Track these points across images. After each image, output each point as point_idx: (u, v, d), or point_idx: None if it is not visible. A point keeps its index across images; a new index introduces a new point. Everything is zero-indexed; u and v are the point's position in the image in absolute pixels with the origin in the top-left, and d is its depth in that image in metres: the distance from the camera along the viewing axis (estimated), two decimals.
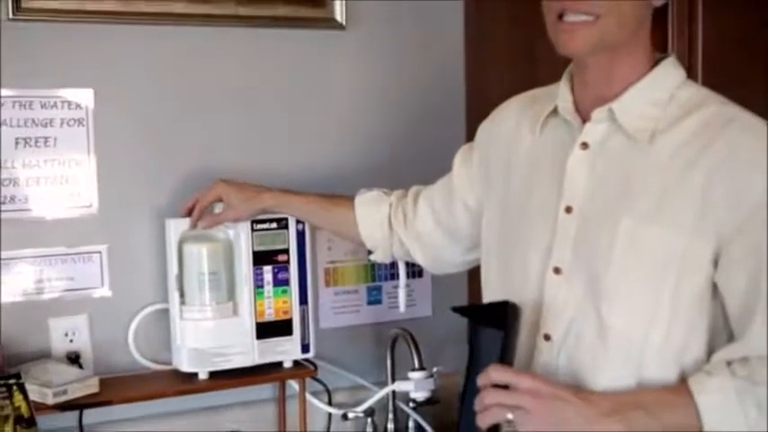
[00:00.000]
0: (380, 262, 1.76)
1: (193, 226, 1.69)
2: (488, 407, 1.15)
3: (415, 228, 1.59)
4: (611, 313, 1.19)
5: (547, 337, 1.25)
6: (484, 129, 1.49)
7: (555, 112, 1.30)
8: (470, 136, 1.94)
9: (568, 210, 1.24)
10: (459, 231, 1.54)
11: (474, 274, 1.97)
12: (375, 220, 1.64)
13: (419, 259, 1.63)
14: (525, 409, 1.13)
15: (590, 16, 1.16)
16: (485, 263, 1.42)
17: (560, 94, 1.29)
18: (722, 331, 1.19)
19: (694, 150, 1.16)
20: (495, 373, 1.16)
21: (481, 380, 1.17)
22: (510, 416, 1.13)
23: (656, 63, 1.24)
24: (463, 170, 1.51)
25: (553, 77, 1.35)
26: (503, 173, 1.39)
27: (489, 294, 1.39)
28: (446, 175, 1.56)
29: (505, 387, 1.15)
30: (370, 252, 1.71)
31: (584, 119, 1.25)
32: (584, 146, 1.24)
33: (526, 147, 1.35)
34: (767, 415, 1.11)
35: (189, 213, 1.70)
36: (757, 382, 1.11)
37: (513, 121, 1.40)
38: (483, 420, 1.16)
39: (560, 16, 1.18)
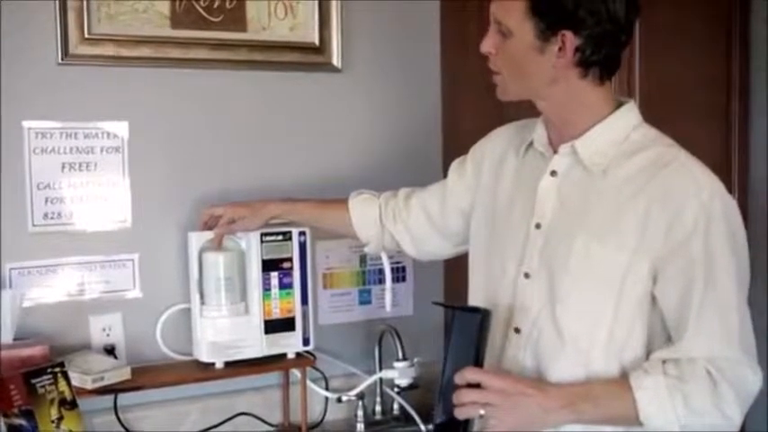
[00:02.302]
0: (374, 253, 1.74)
1: (218, 244, 1.68)
2: (464, 404, 1.17)
3: (406, 224, 1.59)
4: (564, 313, 1.22)
5: (517, 330, 1.27)
6: (480, 145, 1.49)
7: (532, 143, 1.33)
8: (446, 159, 1.94)
9: (538, 226, 1.27)
10: (450, 230, 1.53)
11: (448, 280, 2.02)
12: (368, 218, 1.63)
13: (408, 250, 1.62)
14: (494, 406, 1.16)
15: (496, 72, 1.25)
16: (472, 258, 1.43)
17: (537, 128, 1.32)
18: (660, 334, 1.21)
19: (639, 183, 1.19)
20: (469, 374, 1.18)
21: (458, 379, 1.18)
22: (482, 411, 1.16)
23: (619, 106, 1.26)
24: (458, 179, 1.51)
25: (513, 112, 1.40)
26: (492, 183, 1.40)
27: (474, 287, 1.41)
28: (438, 183, 1.57)
29: (478, 385, 1.17)
30: (363, 246, 1.70)
31: (556, 151, 1.28)
32: (554, 173, 1.27)
33: (512, 166, 1.37)
34: (693, 408, 1.14)
35: (205, 227, 1.70)
36: (685, 381, 1.14)
37: (504, 143, 1.41)
38: (460, 414, 1.18)
39: None
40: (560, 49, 1.19)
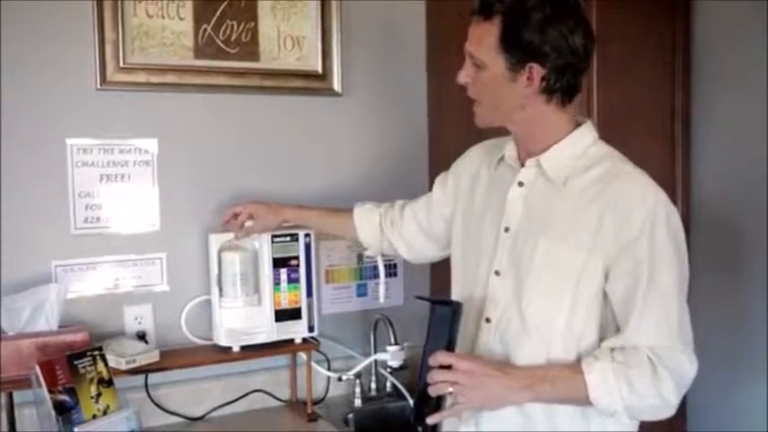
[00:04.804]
0: (373, 256, 1.74)
1: (236, 238, 1.68)
2: (436, 382, 1.17)
3: (401, 231, 1.58)
4: (528, 307, 1.22)
5: (487, 320, 1.27)
6: (459, 162, 1.48)
7: (503, 158, 1.32)
8: (431, 170, 1.94)
9: (507, 229, 1.26)
10: (436, 235, 1.52)
11: (434, 276, 2.02)
12: (369, 225, 1.63)
13: (403, 254, 1.61)
14: (462, 385, 1.16)
15: (474, 100, 1.24)
16: (452, 258, 1.42)
17: (508, 145, 1.32)
18: (610, 324, 1.20)
19: (594, 192, 1.19)
20: (441, 357, 1.18)
21: (432, 361, 1.18)
22: (451, 389, 1.16)
23: (578, 125, 1.25)
24: (441, 191, 1.50)
25: (489, 134, 1.39)
26: (468, 195, 1.39)
27: (455, 282, 1.39)
28: (426, 195, 1.56)
29: (450, 367, 1.17)
30: (365, 249, 1.69)
31: (523, 164, 1.28)
32: (521, 184, 1.27)
33: (485, 178, 1.36)
34: (636, 390, 1.14)
35: (226, 224, 1.69)
36: (630, 366, 1.14)
37: (478, 159, 1.41)
38: (432, 391, 1.18)
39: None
40: (528, 78, 1.18)
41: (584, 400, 1.16)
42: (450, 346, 1.21)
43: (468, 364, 1.18)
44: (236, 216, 1.69)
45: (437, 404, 1.21)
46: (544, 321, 1.21)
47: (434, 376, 1.17)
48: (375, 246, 1.65)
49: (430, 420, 1.20)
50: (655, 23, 1.88)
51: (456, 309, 1.22)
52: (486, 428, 1.26)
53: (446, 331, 1.21)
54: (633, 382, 1.14)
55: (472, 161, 1.43)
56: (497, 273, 1.27)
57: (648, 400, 1.15)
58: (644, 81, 1.84)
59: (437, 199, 1.52)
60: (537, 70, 1.18)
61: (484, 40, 1.20)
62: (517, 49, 1.18)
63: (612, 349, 1.17)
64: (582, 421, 1.21)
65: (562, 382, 1.17)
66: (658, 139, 1.90)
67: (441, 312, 1.23)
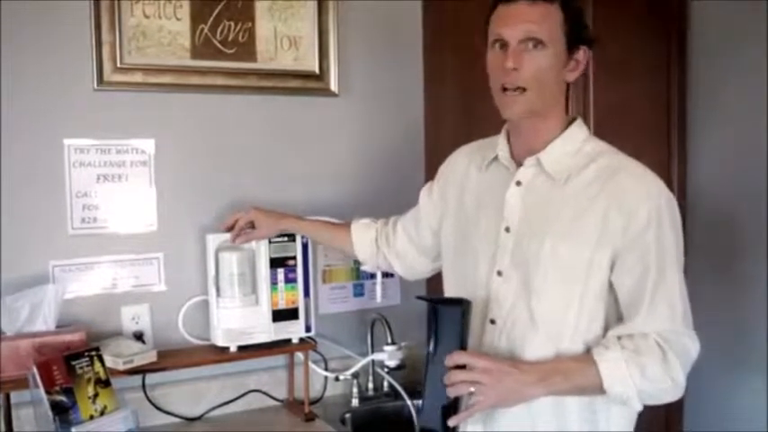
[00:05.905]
0: (369, 271, 1.74)
1: (233, 241, 1.69)
2: (455, 383, 1.17)
3: (395, 247, 1.57)
4: (538, 304, 1.22)
5: (492, 321, 1.26)
6: (442, 169, 1.47)
7: (496, 158, 1.31)
8: (429, 177, 1.90)
9: (507, 229, 1.25)
10: (426, 247, 1.51)
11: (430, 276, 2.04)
12: (366, 241, 1.62)
13: (397, 270, 1.61)
14: (481, 383, 1.16)
15: (519, 89, 1.19)
16: (444, 266, 1.42)
17: (499, 144, 1.30)
18: (614, 314, 1.22)
19: (596, 188, 1.20)
20: (457, 357, 1.17)
21: (448, 362, 1.17)
22: (472, 389, 1.16)
23: (569, 122, 1.26)
24: (427, 201, 1.50)
25: (486, 133, 1.39)
26: (457, 200, 1.38)
27: (448, 288, 1.38)
28: (414, 207, 1.54)
29: (464, 366, 1.16)
30: (361, 264, 1.68)
31: (518, 163, 1.27)
32: (519, 183, 1.26)
33: (474, 181, 1.35)
34: (648, 377, 1.16)
35: (228, 229, 1.70)
36: (640, 353, 1.16)
37: (464, 162, 1.39)
38: (452, 392, 1.17)
39: (503, 89, 1.20)
40: (577, 61, 1.20)
41: (597, 390, 1.17)
42: (462, 346, 1.20)
43: (485, 363, 1.17)
44: (236, 221, 1.69)
45: (454, 406, 1.20)
46: (554, 318, 1.21)
47: (452, 377, 1.17)
48: (371, 261, 1.64)
49: (451, 422, 1.19)
50: (651, 23, 1.88)
51: (466, 308, 1.21)
52: (493, 428, 1.25)
53: (457, 331, 1.19)
54: (645, 368, 1.16)
55: (457, 165, 1.42)
56: (500, 273, 1.26)
57: (660, 384, 1.17)
58: (640, 80, 1.85)
59: (424, 209, 1.51)
60: (586, 54, 1.21)
61: (549, 18, 1.18)
62: (577, 29, 1.20)
63: (620, 337, 1.18)
64: (591, 424, 1.22)
65: (574, 373, 1.18)
66: (654, 139, 1.90)
67: (449, 312, 1.20)
